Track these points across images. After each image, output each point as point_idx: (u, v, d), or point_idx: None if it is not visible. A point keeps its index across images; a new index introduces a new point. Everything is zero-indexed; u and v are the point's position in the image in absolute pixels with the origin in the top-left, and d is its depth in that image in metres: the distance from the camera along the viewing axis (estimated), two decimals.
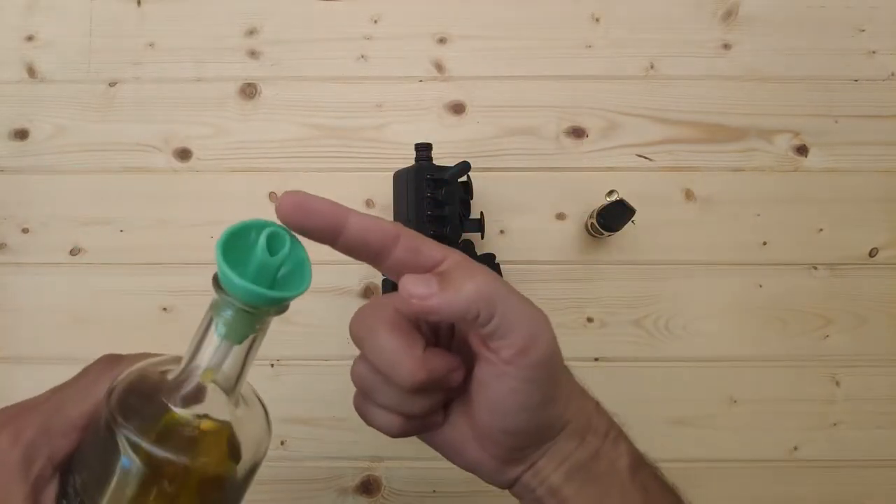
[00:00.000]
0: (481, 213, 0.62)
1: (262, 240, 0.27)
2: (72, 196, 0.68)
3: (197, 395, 0.29)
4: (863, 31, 0.69)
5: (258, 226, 0.28)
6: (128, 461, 0.27)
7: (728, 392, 0.66)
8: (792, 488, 0.65)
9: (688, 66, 0.69)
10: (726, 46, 0.69)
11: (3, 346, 0.67)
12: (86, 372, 0.34)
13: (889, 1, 0.69)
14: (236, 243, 0.27)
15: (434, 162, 0.61)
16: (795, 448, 0.65)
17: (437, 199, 0.59)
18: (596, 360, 0.65)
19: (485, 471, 0.34)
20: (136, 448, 0.27)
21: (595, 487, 0.33)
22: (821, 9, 0.69)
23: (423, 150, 0.61)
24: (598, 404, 0.35)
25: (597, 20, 0.69)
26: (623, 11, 0.69)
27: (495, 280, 0.30)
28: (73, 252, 0.67)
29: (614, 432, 0.34)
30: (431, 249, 0.31)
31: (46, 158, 0.68)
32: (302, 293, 0.28)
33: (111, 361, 0.34)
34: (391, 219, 0.62)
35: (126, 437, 0.27)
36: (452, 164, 0.59)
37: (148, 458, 0.27)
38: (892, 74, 0.69)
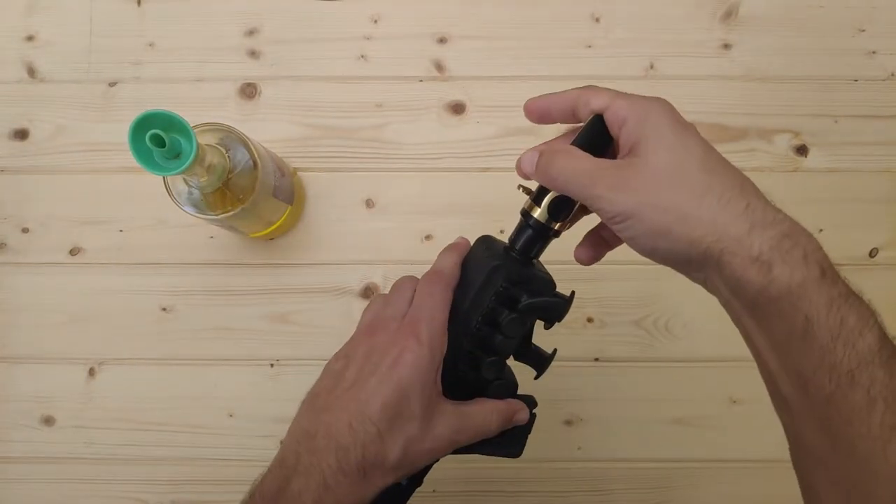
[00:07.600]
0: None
1: (147, 140, 0.43)
2: (72, 196, 0.68)
3: None
4: (863, 31, 0.69)
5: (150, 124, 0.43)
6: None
7: (728, 392, 0.66)
8: (792, 488, 0.65)
9: (688, 66, 0.69)
10: (726, 46, 0.69)
11: (2, 345, 0.67)
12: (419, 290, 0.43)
13: (889, 1, 0.69)
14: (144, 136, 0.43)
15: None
16: None
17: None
18: (596, 360, 0.65)
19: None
20: None
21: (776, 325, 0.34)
22: (821, 9, 0.69)
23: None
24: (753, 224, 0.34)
25: (597, 20, 0.69)
26: (623, 11, 0.69)
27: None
28: (73, 252, 0.67)
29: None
30: (598, 97, 0.38)
31: (46, 158, 0.68)
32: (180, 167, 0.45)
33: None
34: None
35: None
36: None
37: None
38: (893, 75, 0.68)
